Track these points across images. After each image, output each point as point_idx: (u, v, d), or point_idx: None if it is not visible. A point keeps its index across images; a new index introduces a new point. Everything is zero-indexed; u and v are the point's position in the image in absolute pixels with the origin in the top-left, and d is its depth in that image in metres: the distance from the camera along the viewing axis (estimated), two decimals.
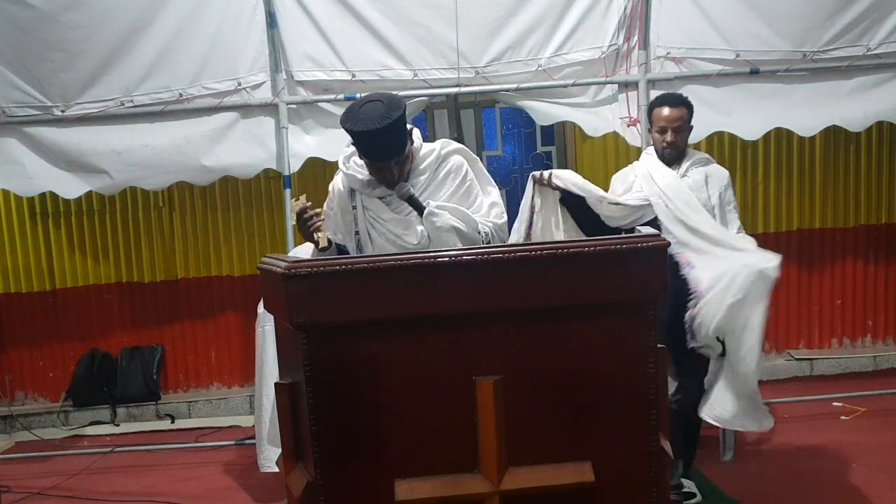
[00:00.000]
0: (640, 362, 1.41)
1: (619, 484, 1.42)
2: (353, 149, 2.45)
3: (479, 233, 2.40)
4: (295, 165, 4.23)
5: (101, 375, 5.30)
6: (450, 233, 2.33)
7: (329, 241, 2.35)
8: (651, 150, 3.38)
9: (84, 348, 5.37)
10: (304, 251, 3.50)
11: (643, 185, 3.28)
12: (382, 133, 2.22)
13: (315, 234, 2.33)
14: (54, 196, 4.86)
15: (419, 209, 2.36)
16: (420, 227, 2.37)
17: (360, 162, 2.41)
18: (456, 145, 2.54)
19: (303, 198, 2.36)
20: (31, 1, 3.94)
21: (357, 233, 2.44)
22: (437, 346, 1.38)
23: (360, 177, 2.41)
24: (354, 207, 2.44)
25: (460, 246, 2.31)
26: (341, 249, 2.48)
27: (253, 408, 5.21)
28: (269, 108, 4.21)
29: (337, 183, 2.52)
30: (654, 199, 3.22)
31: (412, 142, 2.40)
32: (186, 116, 4.21)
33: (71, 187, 4.30)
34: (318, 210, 2.36)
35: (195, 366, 5.49)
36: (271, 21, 4.13)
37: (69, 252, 5.38)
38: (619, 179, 3.44)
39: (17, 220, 5.35)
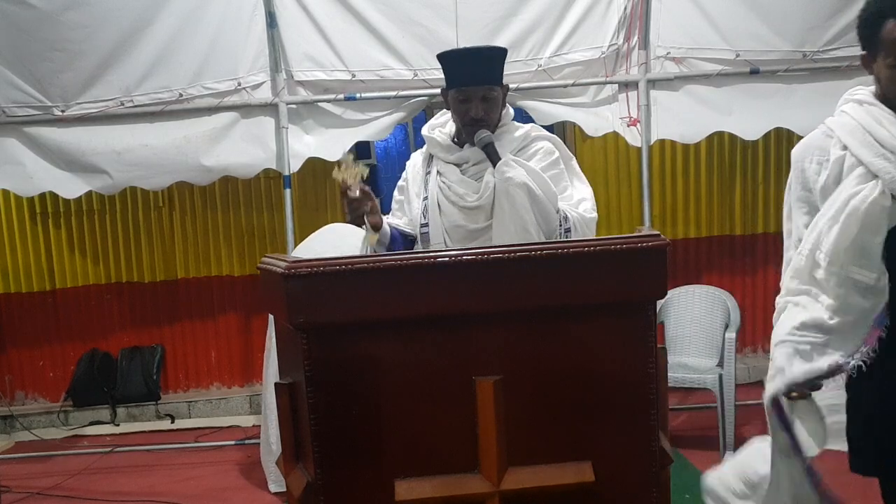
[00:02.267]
0: (640, 362, 1.41)
1: (619, 484, 1.42)
2: (442, 119, 2.47)
3: (557, 211, 2.27)
4: (295, 165, 4.23)
5: (101, 375, 5.30)
6: (520, 188, 2.18)
7: (378, 226, 2.25)
8: (863, 92, 2.00)
9: (84, 348, 5.38)
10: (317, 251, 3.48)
11: (861, 153, 1.91)
12: (481, 56, 2.30)
13: (365, 219, 2.21)
14: (54, 196, 4.87)
15: (494, 159, 2.26)
16: (488, 179, 2.26)
17: (446, 131, 2.43)
18: (549, 133, 2.49)
19: (349, 162, 2.13)
20: (31, 1, 3.94)
21: (426, 197, 2.40)
22: (437, 346, 1.38)
23: (440, 139, 2.42)
24: (429, 173, 2.43)
25: (529, 209, 2.18)
26: (394, 236, 2.38)
27: (252, 407, 5.23)
28: (269, 108, 4.22)
29: (415, 155, 2.53)
30: (888, 173, 1.83)
31: (506, 104, 2.41)
32: (186, 116, 4.22)
33: (71, 187, 4.30)
34: (365, 189, 2.18)
35: (195, 366, 5.49)
36: (271, 21, 4.13)
37: (69, 252, 5.38)
38: (808, 158, 2.06)
39: (17, 220, 5.35)
